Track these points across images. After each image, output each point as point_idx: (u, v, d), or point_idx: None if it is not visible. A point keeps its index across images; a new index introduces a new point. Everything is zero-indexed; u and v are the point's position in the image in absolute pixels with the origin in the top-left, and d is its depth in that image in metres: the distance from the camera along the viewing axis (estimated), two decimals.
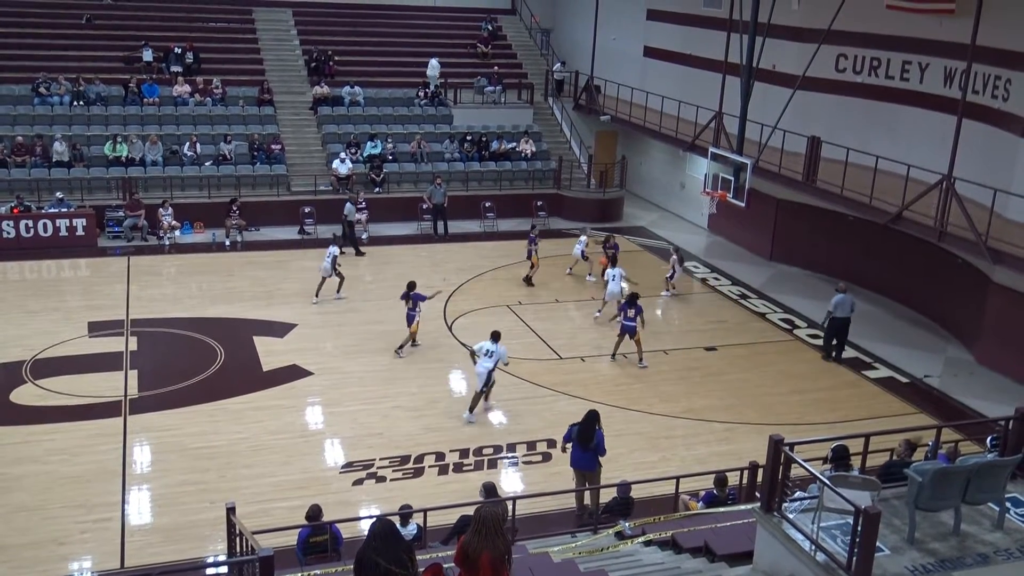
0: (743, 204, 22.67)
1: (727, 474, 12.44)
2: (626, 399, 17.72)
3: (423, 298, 19.30)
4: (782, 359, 20.27)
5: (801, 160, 22.86)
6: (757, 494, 10.69)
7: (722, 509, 11.66)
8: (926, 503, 8.41)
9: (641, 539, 11.13)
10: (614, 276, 21.37)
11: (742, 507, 11.30)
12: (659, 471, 14.54)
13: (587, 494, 13.36)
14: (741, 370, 19.53)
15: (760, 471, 10.83)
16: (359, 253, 25.98)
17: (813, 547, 8.06)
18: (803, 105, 23.03)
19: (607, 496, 13.23)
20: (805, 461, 8.52)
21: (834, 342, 20.16)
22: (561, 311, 22.38)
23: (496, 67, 34.01)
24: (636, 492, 12.99)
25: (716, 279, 25.62)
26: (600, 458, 13.40)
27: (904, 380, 19.40)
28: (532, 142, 31.72)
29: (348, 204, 26.29)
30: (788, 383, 19.05)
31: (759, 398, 18.16)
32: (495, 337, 16.87)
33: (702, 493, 12.62)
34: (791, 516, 8.51)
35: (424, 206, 28.07)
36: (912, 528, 8.40)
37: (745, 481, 12.51)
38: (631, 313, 19.22)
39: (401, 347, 19.30)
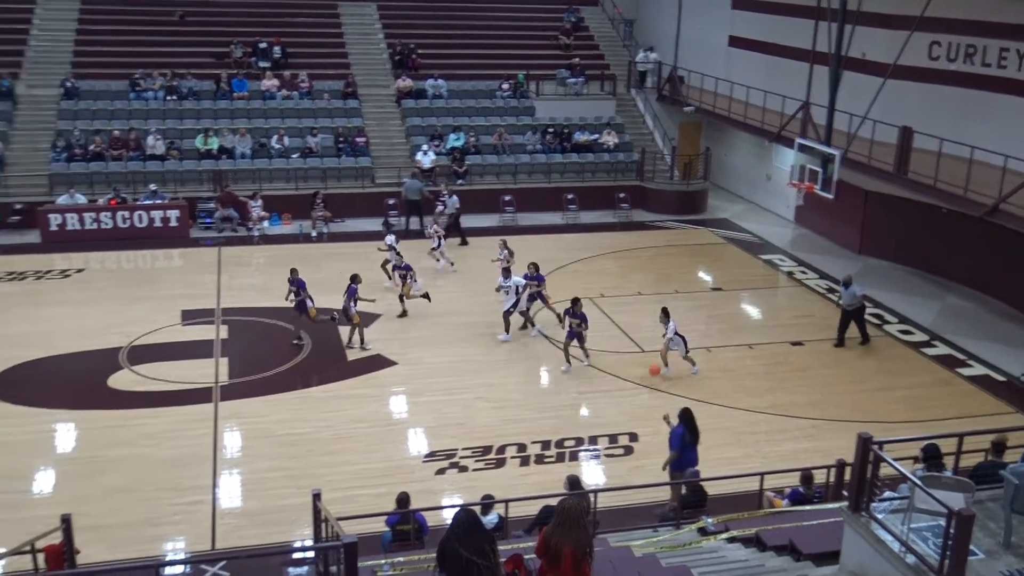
0: (831, 196, 22.20)
1: (813, 471, 12.23)
2: (710, 393, 17.53)
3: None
4: (871, 354, 19.79)
5: (892, 151, 22.25)
6: (844, 493, 10.51)
7: (808, 507, 11.47)
8: (1023, 506, 8.15)
9: (724, 536, 11.00)
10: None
11: (829, 506, 11.11)
12: (743, 467, 14.36)
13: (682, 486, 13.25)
14: (828, 365, 19.15)
15: (848, 469, 10.64)
16: (463, 242, 26.62)
17: (903, 549, 7.88)
18: (894, 94, 22.39)
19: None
20: (895, 460, 8.33)
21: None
22: (643, 304, 22.21)
23: (578, 58, 33.88)
24: (719, 488, 12.83)
25: (803, 272, 25.13)
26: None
27: (1000, 378, 18.78)
28: (615, 134, 31.55)
29: (453, 197, 26.83)
30: (876, 379, 18.61)
31: (846, 394, 17.78)
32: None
33: (787, 490, 12.44)
34: (880, 516, 8.33)
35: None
36: (1008, 532, 8.14)
37: (832, 479, 12.30)
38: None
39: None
